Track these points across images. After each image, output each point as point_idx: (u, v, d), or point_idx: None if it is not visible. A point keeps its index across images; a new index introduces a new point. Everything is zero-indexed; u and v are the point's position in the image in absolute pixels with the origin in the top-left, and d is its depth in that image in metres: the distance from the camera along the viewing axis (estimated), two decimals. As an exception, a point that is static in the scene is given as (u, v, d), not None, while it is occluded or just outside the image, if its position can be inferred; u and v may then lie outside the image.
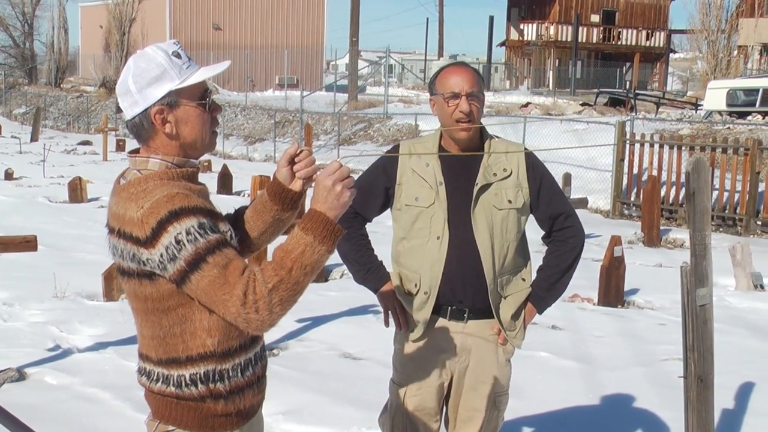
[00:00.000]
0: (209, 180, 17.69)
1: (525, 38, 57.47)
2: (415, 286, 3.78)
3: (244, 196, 17.53)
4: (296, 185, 2.68)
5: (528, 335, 7.72)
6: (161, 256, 2.37)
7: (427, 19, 72.40)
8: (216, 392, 2.56)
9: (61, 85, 51.17)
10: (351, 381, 6.45)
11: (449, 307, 3.77)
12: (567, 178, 13.65)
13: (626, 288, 9.61)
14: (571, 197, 13.75)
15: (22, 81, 53.91)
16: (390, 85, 36.28)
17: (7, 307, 8.31)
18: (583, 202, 14.16)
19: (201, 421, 2.58)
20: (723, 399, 5.96)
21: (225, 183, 18.37)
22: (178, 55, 2.52)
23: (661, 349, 7.49)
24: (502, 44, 60.03)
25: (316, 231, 2.36)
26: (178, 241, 2.35)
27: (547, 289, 3.87)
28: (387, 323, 3.95)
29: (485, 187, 3.70)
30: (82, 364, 6.68)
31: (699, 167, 4.14)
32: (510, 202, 3.72)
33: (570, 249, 3.85)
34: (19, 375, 6.35)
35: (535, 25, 56.70)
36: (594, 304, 9.26)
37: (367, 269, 3.93)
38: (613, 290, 9.33)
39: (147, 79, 2.50)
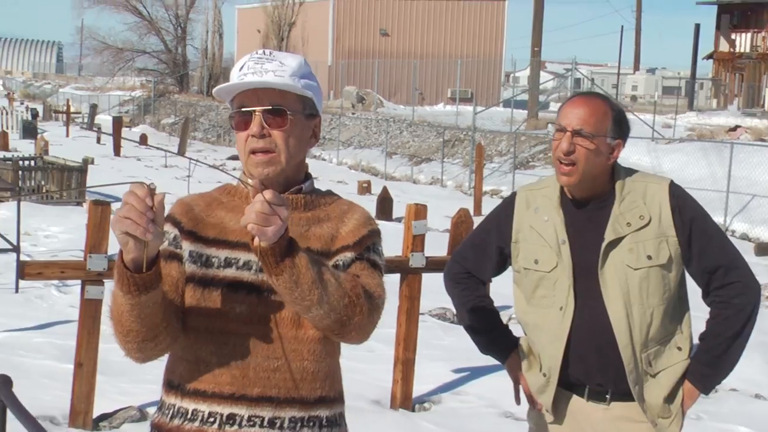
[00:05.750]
0: (368, 203, 17.77)
1: (737, 50, 55.80)
2: (538, 363, 3.52)
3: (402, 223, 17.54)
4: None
5: (725, 405, 7.43)
6: None
7: (622, 27, 71.30)
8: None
9: (213, 94, 52.90)
10: (511, 446, 6.26)
11: (586, 386, 3.45)
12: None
13: None
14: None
15: (173, 89, 56.00)
16: (576, 102, 35.74)
17: (135, 339, 8.48)
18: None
19: None
20: None
21: (384, 208, 18.46)
22: (241, 67, 2.61)
23: None
24: (709, 56, 58.50)
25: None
26: None
27: (710, 364, 3.40)
28: (517, 399, 3.69)
29: (615, 242, 3.32)
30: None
31: None
32: (650, 258, 3.31)
33: (736, 312, 3.34)
34: (141, 414, 6.45)
35: (749, 35, 54.97)
36: (810, 369, 8.72)
37: (490, 339, 3.68)
38: (833, 353, 8.77)
39: None
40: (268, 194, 2.24)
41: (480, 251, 3.63)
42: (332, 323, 2.44)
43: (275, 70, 2.56)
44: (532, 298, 3.48)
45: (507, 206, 3.58)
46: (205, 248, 2.59)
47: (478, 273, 3.67)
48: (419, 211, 6.90)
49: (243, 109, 2.58)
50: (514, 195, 3.58)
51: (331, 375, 2.63)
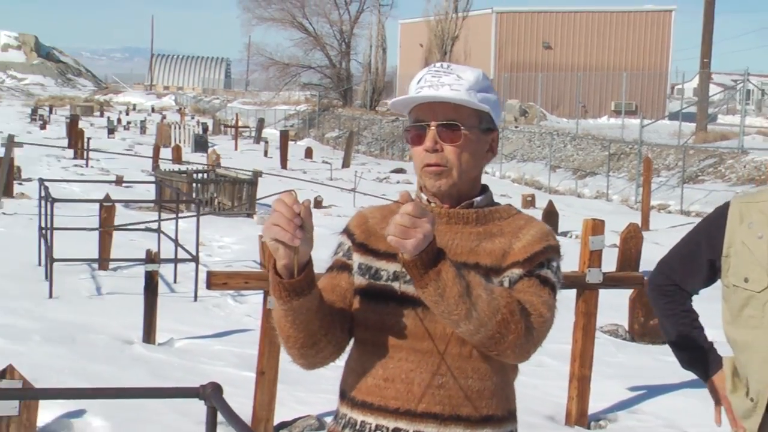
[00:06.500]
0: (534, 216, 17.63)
1: None
2: (745, 386, 3.37)
3: (571, 237, 17.36)
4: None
5: None
6: None
7: (795, 36, 68.50)
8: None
9: (376, 108, 53.55)
10: (692, 467, 6.13)
11: None
12: None
13: None
14: None
15: (337, 103, 56.95)
16: (747, 114, 34.88)
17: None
18: None
19: None
20: None
21: (550, 221, 18.29)
22: (419, 80, 2.59)
23: None
24: None
25: None
26: None
27: None
28: (718, 420, 3.56)
29: None
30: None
31: None
32: None
33: None
34: (319, 424, 6.57)
35: None
36: None
37: (693, 355, 3.54)
38: None
39: None
40: (408, 207, 2.23)
41: (688, 263, 3.49)
42: (484, 339, 2.39)
43: (452, 83, 2.53)
44: (739, 317, 3.33)
45: (718, 217, 3.40)
46: (375, 261, 2.59)
47: (686, 285, 3.53)
48: (596, 227, 6.82)
49: (417, 123, 2.57)
50: (726, 206, 3.41)
51: (499, 393, 2.56)
